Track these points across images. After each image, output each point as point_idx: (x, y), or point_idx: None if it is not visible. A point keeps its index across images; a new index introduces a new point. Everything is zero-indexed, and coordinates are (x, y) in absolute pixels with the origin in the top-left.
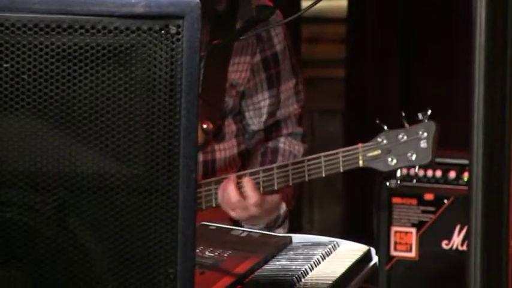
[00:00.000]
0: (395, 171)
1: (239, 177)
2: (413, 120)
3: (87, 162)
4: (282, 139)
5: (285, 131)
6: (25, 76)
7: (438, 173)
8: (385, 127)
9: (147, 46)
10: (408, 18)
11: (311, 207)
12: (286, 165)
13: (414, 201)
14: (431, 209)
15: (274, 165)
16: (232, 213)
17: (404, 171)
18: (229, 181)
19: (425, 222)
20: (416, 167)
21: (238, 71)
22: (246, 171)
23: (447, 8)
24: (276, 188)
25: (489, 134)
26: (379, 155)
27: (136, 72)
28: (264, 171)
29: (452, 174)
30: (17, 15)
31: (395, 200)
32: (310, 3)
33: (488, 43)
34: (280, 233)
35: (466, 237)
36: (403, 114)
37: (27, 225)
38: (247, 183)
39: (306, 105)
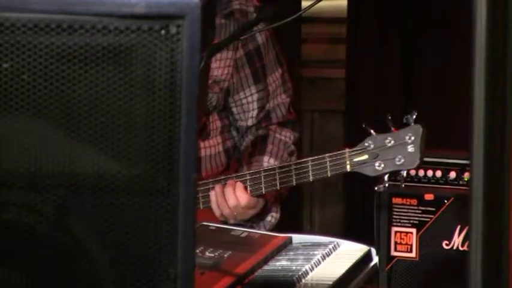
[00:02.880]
0: (383, 176)
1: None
2: (400, 124)
3: (87, 162)
4: (273, 127)
5: (275, 120)
6: (25, 76)
7: (438, 173)
8: (372, 131)
9: (147, 46)
10: (408, 18)
11: (311, 207)
12: (273, 169)
13: (414, 202)
14: (432, 209)
15: (261, 168)
16: (226, 216)
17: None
18: (227, 186)
19: (426, 222)
20: (404, 172)
21: (221, 67)
22: (233, 175)
23: (448, 8)
24: (263, 191)
25: (489, 134)
26: (366, 159)
27: (137, 72)
28: (251, 174)
29: (452, 175)
30: (16, 15)
31: (396, 200)
32: (310, 3)
33: (488, 43)
34: (273, 217)
35: (467, 238)
36: (390, 117)
37: (27, 226)
38: (238, 186)
39: (297, 95)
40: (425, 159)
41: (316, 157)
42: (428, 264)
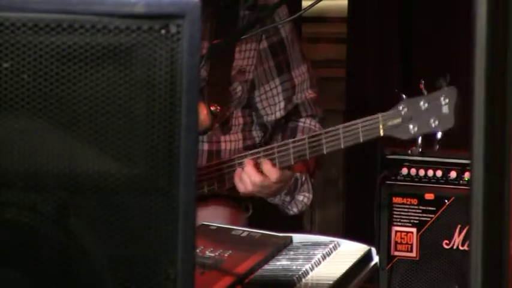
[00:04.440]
0: (416, 139)
1: (255, 158)
2: (433, 88)
3: (87, 162)
4: (302, 119)
5: (304, 114)
6: (25, 76)
7: (439, 173)
8: (404, 96)
9: (147, 46)
10: (409, 18)
11: (312, 207)
12: (302, 139)
13: (415, 201)
14: (432, 208)
15: (290, 140)
16: (254, 192)
17: (405, 170)
18: (247, 165)
19: (426, 222)
20: (439, 133)
21: (246, 57)
22: (261, 148)
23: (449, 8)
24: (292, 162)
25: (489, 134)
26: (399, 123)
27: (137, 71)
28: (279, 146)
29: (453, 174)
30: (16, 14)
31: (396, 199)
32: (310, 3)
33: (488, 43)
34: (306, 196)
35: (467, 237)
36: (423, 81)
37: (27, 226)
38: (265, 163)
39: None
40: (426, 158)
41: (347, 124)
42: (428, 264)
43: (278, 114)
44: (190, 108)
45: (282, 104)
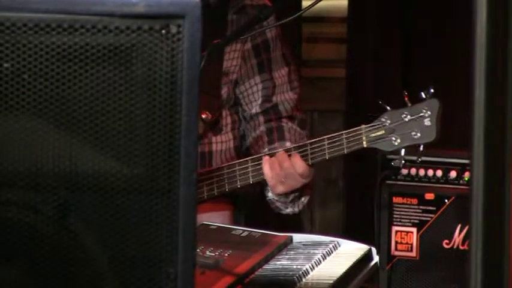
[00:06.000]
0: (399, 151)
1: (244, 168)
2: (416, 99)
3: (88, 162)
4: (284, 120)
5: (284, 114)
6: (25, 76)
7: (439, 173)
8: (388, 107)
9: (147, 46)
10: (409, 18)
11: (312, 206)
12: (289, 150)
13: (415, 201)
14: (432, 208)
15: (279, 150)
16: (280, 186)
17: (405, 171)
18: (283, 155)
19: (426, 221)
20: (421, 146)
21: (230, 58)
22: (249, 157)
23: (449, 8)
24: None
25: (489, 134)
26: (382, 135)
27: (137, 71)
28: (270, 155)
29: (453, 174)
30: (17, 14)
31: (396, 199)
32: (310, 3)
33: (488, 43)
34: (306, 197)
35: (467, 237)
36: (406, 93)
37: (28, 225)
38: (295, 155)
39: (301, 96)
40: (426, 158)
41: (332, 135)
42: (428, 264)
43: (254, 110)
44: (190, 108)
45: (260, 101)
